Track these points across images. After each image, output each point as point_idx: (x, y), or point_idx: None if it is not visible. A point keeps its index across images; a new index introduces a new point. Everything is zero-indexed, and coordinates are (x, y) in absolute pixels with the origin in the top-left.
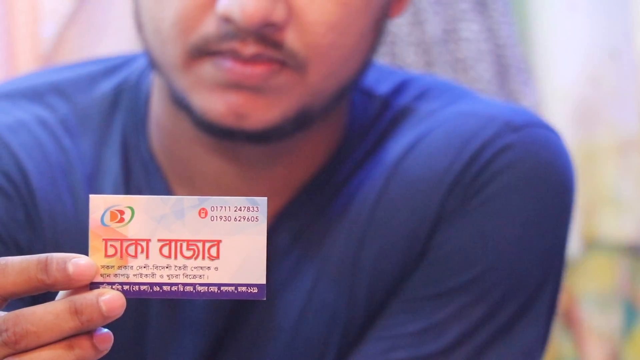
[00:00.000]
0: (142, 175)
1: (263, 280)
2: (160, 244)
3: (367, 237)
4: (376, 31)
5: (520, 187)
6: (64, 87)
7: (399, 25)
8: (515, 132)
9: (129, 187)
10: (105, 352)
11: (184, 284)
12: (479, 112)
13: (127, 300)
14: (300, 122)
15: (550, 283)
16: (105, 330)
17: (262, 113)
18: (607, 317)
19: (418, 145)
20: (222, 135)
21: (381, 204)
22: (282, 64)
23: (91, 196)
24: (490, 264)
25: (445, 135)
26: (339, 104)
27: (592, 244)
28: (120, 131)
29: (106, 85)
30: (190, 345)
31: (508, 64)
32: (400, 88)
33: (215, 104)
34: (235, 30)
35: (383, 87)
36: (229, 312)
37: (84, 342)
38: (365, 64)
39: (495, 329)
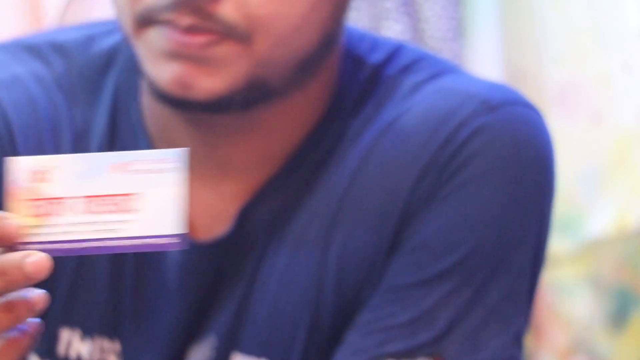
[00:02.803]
0: (128, 137)
1: (183, 230)
2: (82, 200)
3: (339, 216)
4: (335, 2)
5: (498, 168)
6: (64, 45)
7: None
8: (491, 111)
9: (113, 148)
10: (39, 312)
11: (107, 239)
12: (457, 89)
13: (99, 262)
14: (257, 93)
15: (533, 264)
16: (39, 290)
17: (206, 83)
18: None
19: (397, 122)
20: (176, 105)
21: (356, 182)
22: (223, 35)
23: (11, 158)
24: (471, 247)
25: (422, 113)
26: (306, 75)
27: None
28: (112, 91)
29: (103, 44)
30: (169, 313)
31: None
32: (391, 57)
33: (162, 73)
34: (171, 1)
35: (375, 56)
36: (207, 284)
37: (18, 304)
38: (327, 36)
39: (485, 312)
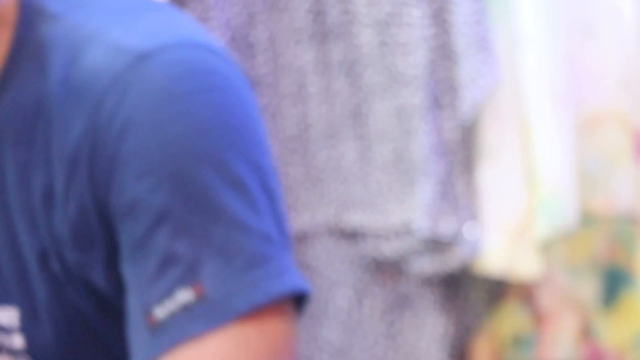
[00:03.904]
0: None
1: None
2: None
3: (32, 160)
4: None
5: (160, 111)
6: None
7: (356, 4)
8: (144, 61)
9: None
10: None
11: None
12: (116, 44)
13: None
14: None
15: (259, 176)
16: None
17: None
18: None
19: (68, 78)
20: None
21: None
22: None
23: None
24: (171, 183)
25: (83, 72)
26: None
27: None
28: None
29: None
30: None
31: (468, 42)
32: (76, 5)
33: None
34: None
35: (59, 7)
36: None
37: None
38: None
39: (224, 228)
